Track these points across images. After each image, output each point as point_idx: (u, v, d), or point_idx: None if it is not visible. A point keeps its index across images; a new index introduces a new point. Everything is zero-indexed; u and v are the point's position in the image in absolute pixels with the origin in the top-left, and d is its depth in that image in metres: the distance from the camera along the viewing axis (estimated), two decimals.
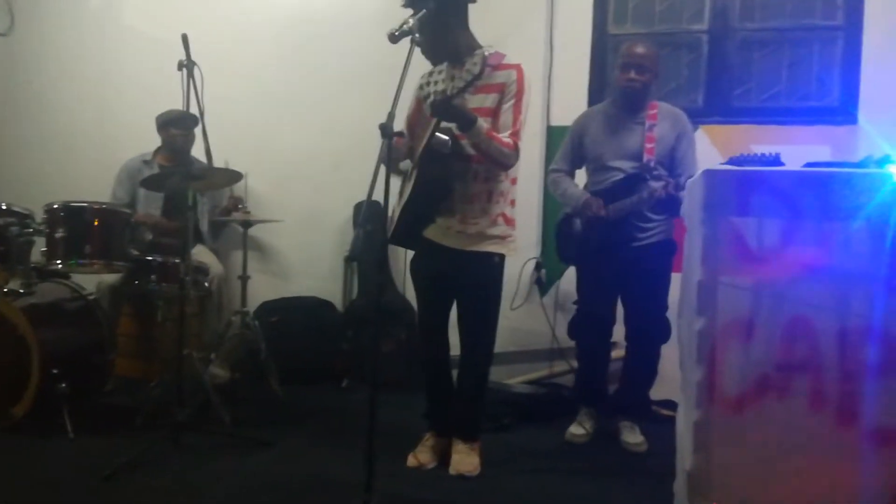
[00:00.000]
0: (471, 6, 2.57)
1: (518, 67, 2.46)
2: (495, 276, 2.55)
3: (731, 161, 2.70)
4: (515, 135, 2.42)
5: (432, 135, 2.34)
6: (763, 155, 2.64)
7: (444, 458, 2.63)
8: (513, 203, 2.57)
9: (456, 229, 2.49)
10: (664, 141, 2.94)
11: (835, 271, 1.80)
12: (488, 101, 2.45)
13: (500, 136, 2.40)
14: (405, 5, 2.41)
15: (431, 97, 2.55)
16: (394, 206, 2.50)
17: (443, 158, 2.38)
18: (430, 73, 2.63)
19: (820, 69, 3.73)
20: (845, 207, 1.79)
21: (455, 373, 2.70)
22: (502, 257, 2.54)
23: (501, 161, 2.43)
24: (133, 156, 3.86)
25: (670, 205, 2.78)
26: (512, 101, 2.43)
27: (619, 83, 2.99)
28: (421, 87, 2.65)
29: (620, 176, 2.96)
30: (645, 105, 2.98)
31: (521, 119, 2.44)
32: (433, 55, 2.54)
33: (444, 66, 2.59)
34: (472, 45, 2.51)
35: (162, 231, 3.67)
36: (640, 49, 2.95)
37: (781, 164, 2.59)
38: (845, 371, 1.77)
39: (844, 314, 1.80)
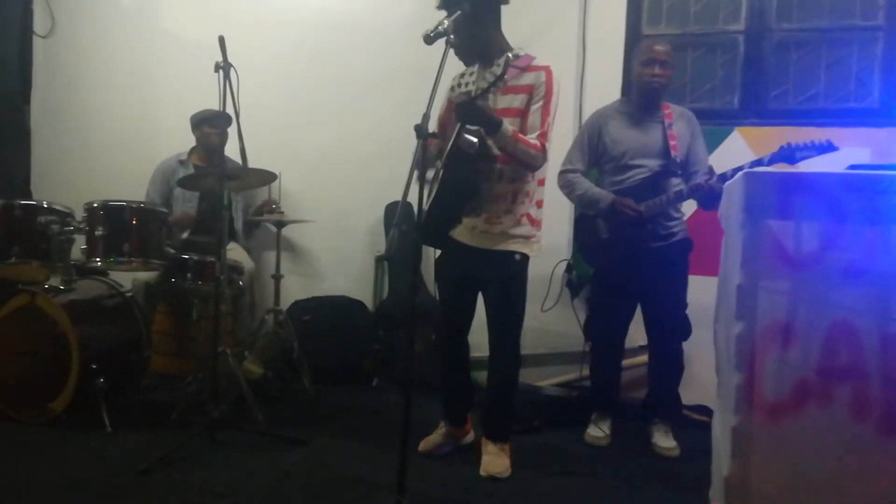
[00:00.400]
0: (504, 7, 2.57)
1: (547, 69, 2.46)
2: (517, 274, 2.55)
3: (780, 150, 2.69)
4: (543, 136, 2.43)
5: (458, 135, 2.34)
6: (813, 143, 2.62)
7: (456, 445, 2.78)
8: (539, 204, 2.58)
9: (481, 229, 2.51)
10: (683, 140, 2.96)
11: (877, 276, 1.77)
12: (517, 101, 2.46)
13: (528, 137, 2.41)
14: (439, 6, 2.42)
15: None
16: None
17: (469, 159, 2.40)
18: (462, 75, 2.64)
19: (859, 70, 3.66)
20: (889, 211, 1.75)
21: (482, 374, 2.70)
22: (525, 256, 2.55)
23: (528, 162, 2.44)
24: (168, 156, 3.93)
25: (711, 198, 2.75)
26: (540, 103, 2.44)
27: (643, 78, 2.98)
28: (452, 89, 2.66)
29: (646, 174, 2.95)
30: (661, 104, 3.00)
31: (550, 120, 2.45)
32: (466, 56, 2.56)
33: (475, 67, 2.60)
34: (504, 47, 2.51)
35: (196, 226, 3.72)
36: (661, 46, 2.98)
37: (835, 148, 2.55)
38: (888, 378, 1.73)
39: (888, 319, 1.76)
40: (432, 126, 2.56)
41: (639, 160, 2.97)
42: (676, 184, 2.95)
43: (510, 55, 2.41)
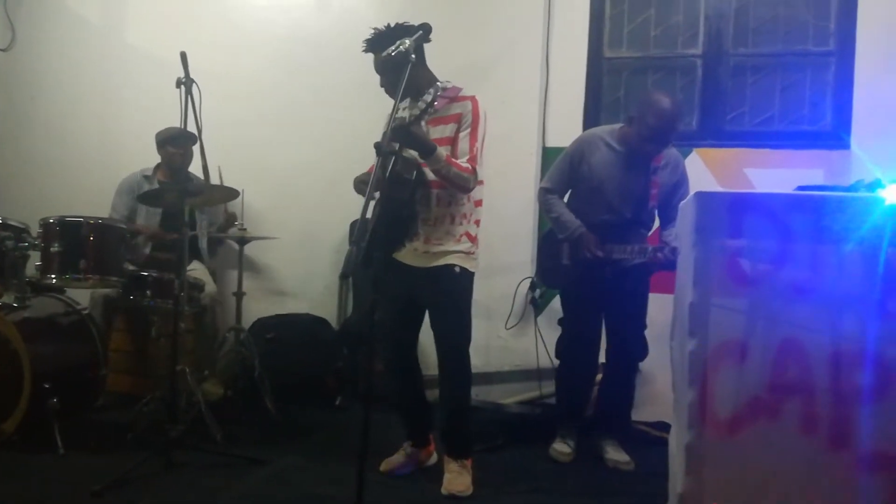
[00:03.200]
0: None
1: (473, 98, 2.58)
2: (460, 287, 2.59)
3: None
4: (473, 160, 2.52)
5: (396, 160, 2.37)
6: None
7: (418, 465, 2.78)
8: (477, 223, 2.64)
9: (422, 250, 2.58)
10: (664, 187, 2.96)
11: (827, 294, 1.81)
12: (447, 130, 2.56)
13: (459, 161, 2.49)
14: (366, 50, 2.58)
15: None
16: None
17: (405, 183, 2.46)
18: (395, 110, 2.65)
19: (813, 94, 3.77)
20: (837, 230, 1.80)
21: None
22: (466, 271, 2.59)
23: (461, 185, 2.52)
24: (134, 170, 3.88)
25: (667, 266, 2.77)
26: (468, 130, 2.54)
27: (640, 145, 2.87)
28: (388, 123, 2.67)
29: (617, 219, 2.97)
30: None
31: (478, 145, 2.54)
32: (394, 92, 2.57)
33: (406, 102, 2.65)
34: (431, 80, 2.60)
35: (159, 241, 3.68)
36: (669, 123, 2.80)
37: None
38: (838, 394, 1.77)
39: (837, 337, 1.80)
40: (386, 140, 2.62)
41: (613, 202, 2.97)
42: (643, 234, 2.99)
43: (439, 85, 2.55)
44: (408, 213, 2.53)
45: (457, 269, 2.57)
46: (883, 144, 3.33)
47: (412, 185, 2.49)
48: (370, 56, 2.59)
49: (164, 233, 3.70)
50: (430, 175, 2.52)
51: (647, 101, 2.89)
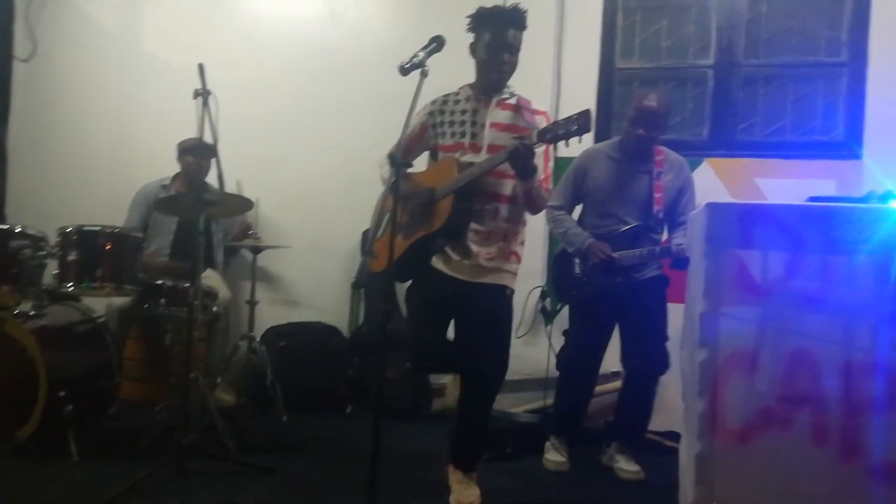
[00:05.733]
0: None
1: (546, 115, 2.54)
2: (509, 307, 2.58)
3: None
4: (547, 180, 2.49)
5: (483, 171, 2.35)
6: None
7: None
8: (523, 244, 2.62)
9: (471, 262, 2.49)
10: (669, 191, 2.97)
11: (839, 304, 1.82)
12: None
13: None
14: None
15: (483, 131, 2.51)
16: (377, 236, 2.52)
17: (471, 196, 2.42)
18: (445, 102, 2.62)
19: (825, 105, 3.77)
20: (848, 241, 1.81)
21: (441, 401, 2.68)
22: (513, 291, 2.57)
23: (539, 205, 2.50)
24: (151, 180, 3.93)
25: (679, 262, 2.78)
26: (542, 147, 2.45)
27: (628, 135, 2.97)
28: (432, 114, 2.63)
29: (625, 227, 2.98)
30: (652, 153, 3.00)
31: (551, 165, 2.50)
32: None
33: (459, 95, 2.60)
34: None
35: (173, 251, 3.70)
36: (652, 103, 2.90)
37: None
38: (849, 405, 1.77)
39: (848, 347, 1.81)
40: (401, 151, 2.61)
41: (619, 211, 2.99)
42: (654, 238, 2.99)
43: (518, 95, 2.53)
44: (467, 224, 2.45)
45: (508, 292, 2.53)
46: (895, 155, 3.32)
47: (475, 197, 2.44)
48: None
49: (172, 266, 3.66)
50: (504, 189, 2.47)
51: (634, 92, 3.11)
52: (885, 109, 3.54)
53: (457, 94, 2.62)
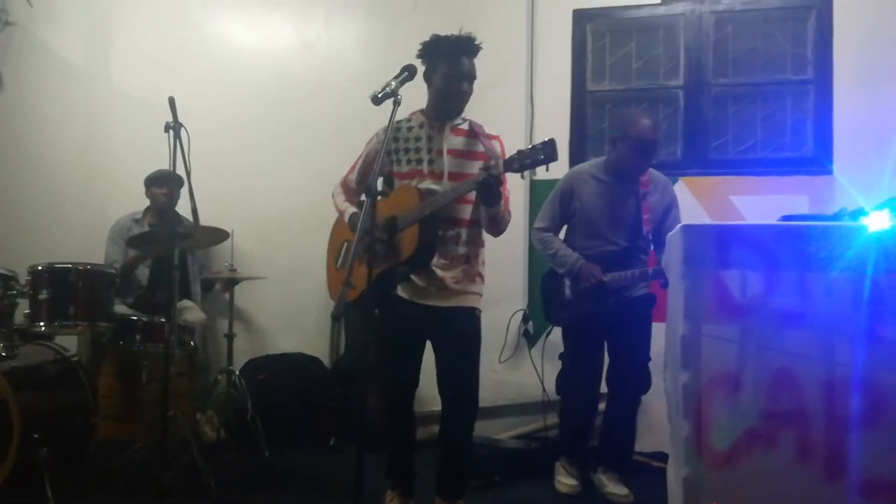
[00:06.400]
0: None
1: (499, 139, 2.58)
2: (478, 329, 2.58)
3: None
4: (506, 201, 2.51)
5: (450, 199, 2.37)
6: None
7: None
8: (483, 263, 2.63)
9: (438, 287, 2.49)
10: (656, 211, 3.00)
11: (817, 321, 1.83)
12: (474, 167, 2.49)
13: None
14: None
15: (441, 157, 2.52)
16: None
17: (436, 223, 2.43)
18: (398, 129, 2.59)
19: (794, 121, 3.84)
20: (823, 259, 1.83)
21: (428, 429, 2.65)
22: (481, 312, 2.58)
23: (502, 228, 2.52)
24: (122, 214, 3.89)
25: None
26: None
27: (625, 162, 2.97)
28: (396, 139, 2.60)
29: (614, 248, 2.99)
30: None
31: (509, 189, 2.52)
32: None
33: (411, 121, 2.60)
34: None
35: (149, 285, 3.66)
36: (652, 135, 2.93)
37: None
38: (832, 422, 1.78)
39: (829, 364, 1.82)
40: (356, 179, 2.68)
41: (607, 232, 3.00)
42: (642, 260, 3.01)
43: (469, 120, 2.55)
44: (433, 252, 2.46)
45: (477, 313, 2.55)
46: (864, 169, 3.38)
47: (439, 224, 2.46)
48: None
49: (142, 255, 3.65)
50: (464, 214, 2.49)
51: (626, 118, 3.11)
52: (852, 124, 3.62)
53: (409, 120, 2.62)
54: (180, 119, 2.86)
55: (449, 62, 2.48)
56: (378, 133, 2.64)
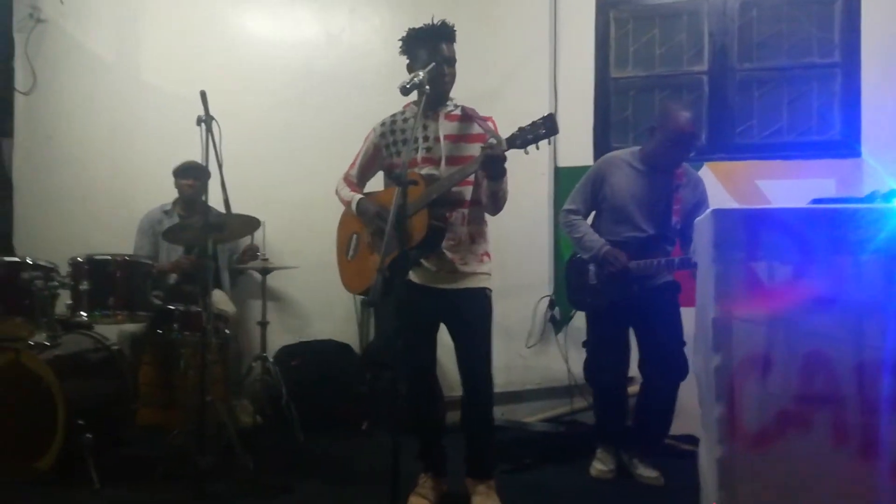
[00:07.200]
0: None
1: (492, 120, 2.63)
2: (489, 309, 2.63)
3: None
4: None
5: (449, 183, 2.40)
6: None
7: (442, 499, 2.67)
8: (488, 242, 2.68)
9: (447, 270, 2.56)
10: (686, 205, 3.00)
11: (848, 304, 1.83)
12: (471, 150, 2.55)
13: None
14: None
15: (438, 144, 2.58)
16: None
17: (441, 205, 2.49)
18: (394, 122, 2.69)
19: (820, 105, 3.81)
20: (854, 242, 1.83)
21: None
22: (491, 292, 2.63)
23: (501, 206, 2.56)
24: (153, 206, 3.97)
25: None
26: None
27: (661, 153, 2.97)
28: (384, 135, 2.70)
29: (641, 235, 2.99)
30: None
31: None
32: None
33: (405, 113, 2.67)
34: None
35: (184, 271, 3.74)
36: (690, 126, 2.92)
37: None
38: (865, 404, 1.79)
39: (860, 346, 1.82)
40: (357, 174, 2.78)
41: (638, 219, 3.00)
42: (668, 250, 3.01)
43: (461, 105, 2.61)
44: (443, 234, 2.51)
45: (487, 293, 2.61)
46: (893, 151, 3.36)
47: (445, 208, 2.51)
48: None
49: (188, 260, 3.74)
50: (466, 195, 2.56)
51: (666, 109, 3.08)
52: (881, 107, 3.59)
53: (403, 112, 2.70)
54: (211, 112, 2.91)
55: (429, 48, 2.53)
56: (375, 127, 2.74)
